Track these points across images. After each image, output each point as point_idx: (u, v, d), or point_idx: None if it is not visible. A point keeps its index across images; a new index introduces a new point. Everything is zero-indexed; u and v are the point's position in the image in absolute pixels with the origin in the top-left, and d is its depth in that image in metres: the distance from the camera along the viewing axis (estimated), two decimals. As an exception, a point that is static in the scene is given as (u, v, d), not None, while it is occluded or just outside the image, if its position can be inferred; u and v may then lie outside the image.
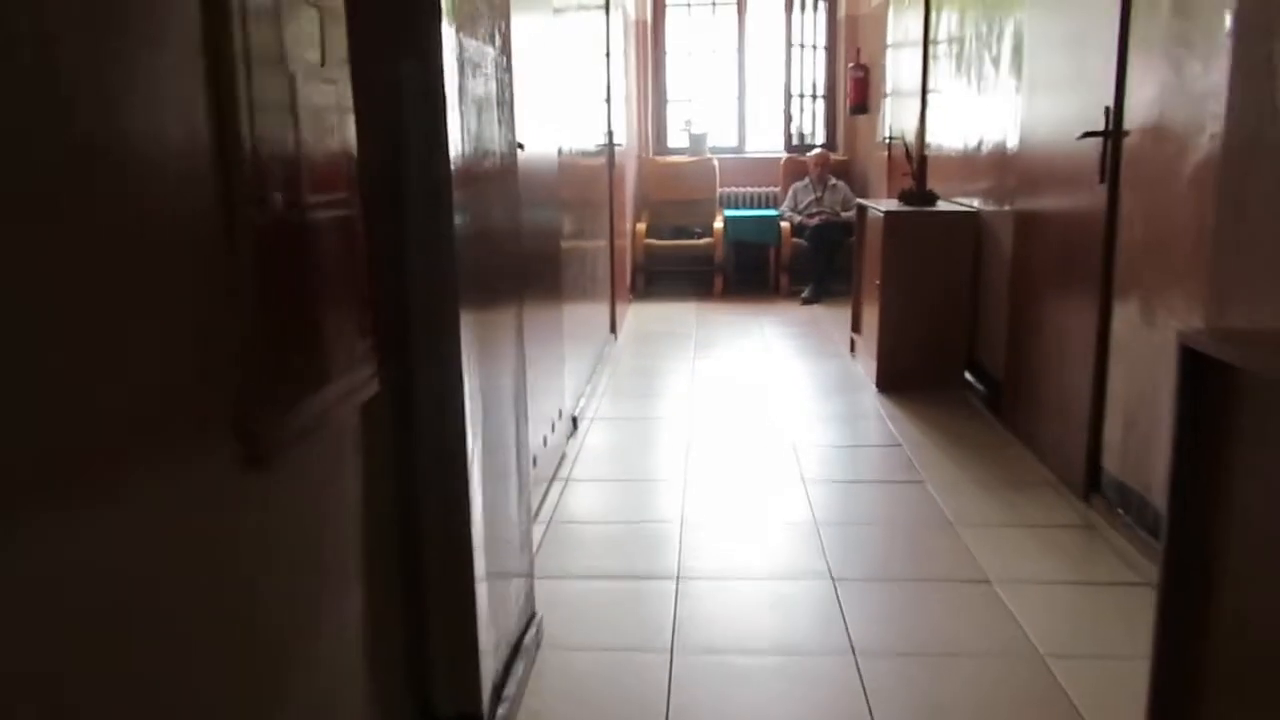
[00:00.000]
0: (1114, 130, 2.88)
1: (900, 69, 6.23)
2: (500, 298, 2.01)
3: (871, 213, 4.78)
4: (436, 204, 1.54)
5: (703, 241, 7.29)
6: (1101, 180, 2.94)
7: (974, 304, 4.43)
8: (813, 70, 7.89)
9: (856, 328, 5.19)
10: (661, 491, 3.28)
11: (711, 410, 4.25)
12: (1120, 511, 2.84)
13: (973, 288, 4.43)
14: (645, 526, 2.98)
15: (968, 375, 4.45)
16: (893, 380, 4.49)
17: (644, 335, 5.95)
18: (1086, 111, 3.03)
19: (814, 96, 7.94)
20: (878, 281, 4.50)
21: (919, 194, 4.67)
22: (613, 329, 5.68)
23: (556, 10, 3.65)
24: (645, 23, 7.66)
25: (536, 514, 3.04)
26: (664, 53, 7.94)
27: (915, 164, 4.68)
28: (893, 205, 4.66)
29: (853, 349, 5.24)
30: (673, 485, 3.32)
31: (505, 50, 2.06)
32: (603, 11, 5.18)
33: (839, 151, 7.82)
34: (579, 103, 4.25)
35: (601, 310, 5.28)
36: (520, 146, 2.62)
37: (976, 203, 4.47)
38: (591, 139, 4.80)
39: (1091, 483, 3.05)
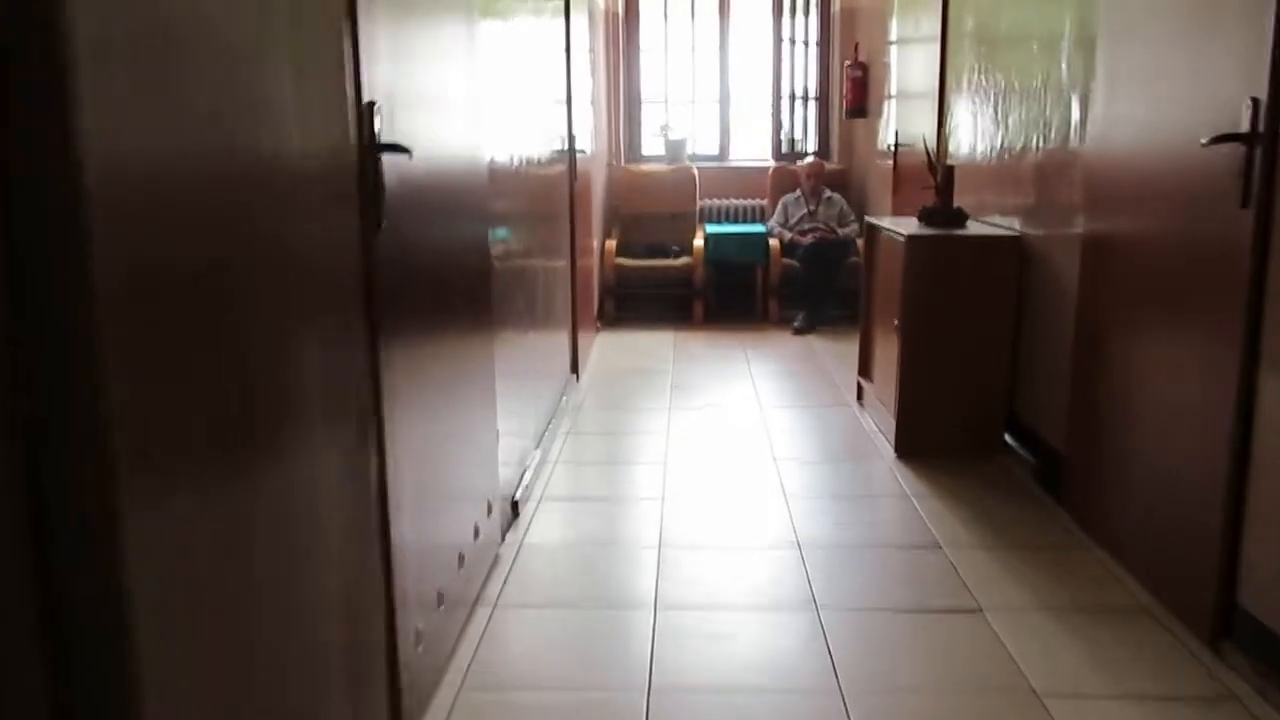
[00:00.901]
0: (1266, 133, 2.03)
1: (909, 66, 5.39)
2: (306, 388, 1.12)
3: (886, 235, 3.92)
4: (50, 236, 0.64)
5: (680, 261, 6.41)
6: (1244, 203, 2.08)
7: (1016, 350, 3.58)
8: (804, 69, 7.04)
9: (865, 371, 4.32)
10: (624, 627, 2.38)
11: (691, 485, 3.36)
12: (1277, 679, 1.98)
13: (1014, 330, 3.57)
14: (596, 699, 2.08)
15: (1009, 439, 3.59)
16: (915, 444, 3.62)
17: (612, 375, 5.05)
18: (1209, 108, 2.18)
19: (805, 98, 7.09)
20: (896, 321, 3.63)
21: (945, 212, 3.82)
22: (574, 367, 4.78)
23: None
24: (616, 15, 6.79)
25: (445, 669, 2.14)
26: (638, 49, 7.06)
27: (940, 176, 3.83)
28: (912, 226, 3.80)
29: (860, 396, 4.37)
30: (640, 615, 2.42)
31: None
32: (561, 1, 4.31)
33: (833, 160, 6.98)
34: (525, 104, 3.37)
35: (559, 345, 4.39)
36: (403, 150, 1.73)
37: (1017, 223, 3.62)
38: (545, 144, 3.93)
39: (1222, 623, 2.19)
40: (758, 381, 4.82)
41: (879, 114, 6.26)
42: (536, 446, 3.59)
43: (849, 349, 4.57)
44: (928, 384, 3.60)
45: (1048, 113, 3.32)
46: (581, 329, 5.01)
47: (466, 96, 2.43)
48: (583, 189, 5.12)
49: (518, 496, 3.11)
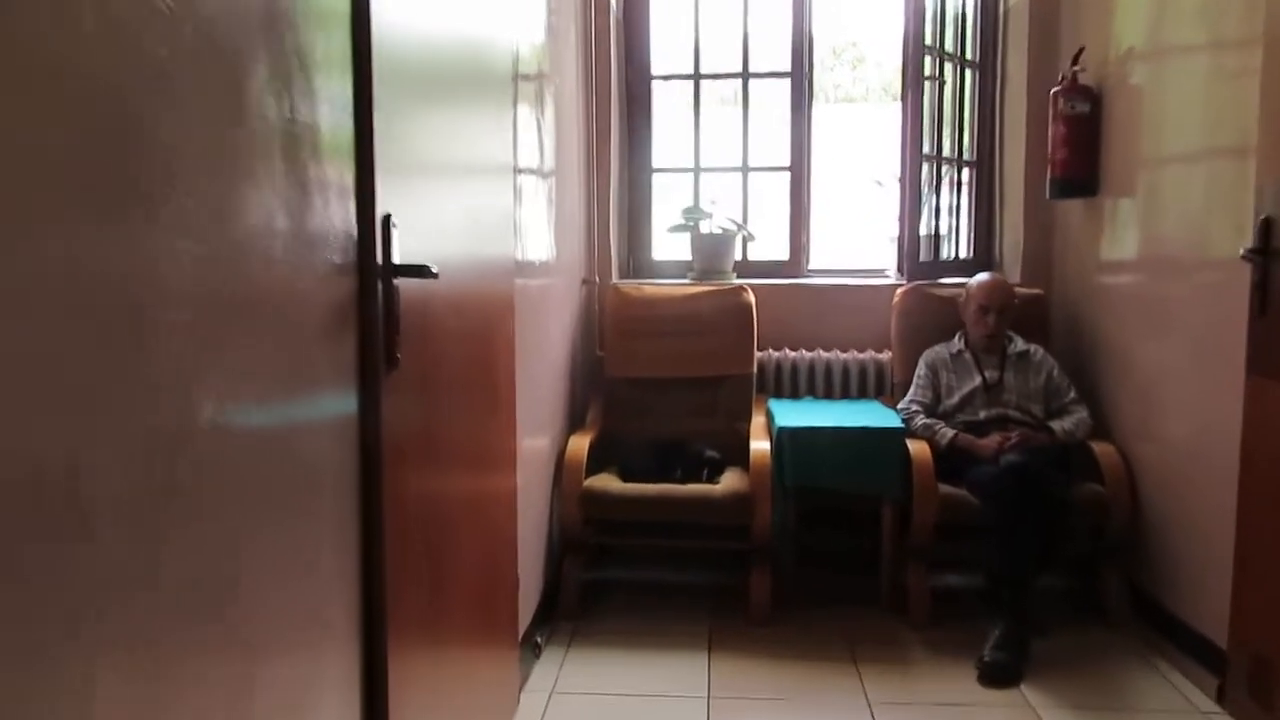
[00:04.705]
0: None
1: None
2: None
3: None
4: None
5: (721, 488, 3.07)
6: None
7: None
8: (954, 111, 3.81)
9: None
10: None
11: None
12: None
13: None
14: None
15: None
16: None
17: None
18: None
19: (956, 163, 3.84)
20: None
21: None
22: None
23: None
24: (608, 9, 3.64)
25: None
26: (646, 75, 3.90)
27: None
28: None
29: None
30: None
31: None
32: None
33: (1015, 278, 3.67)
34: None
35: None
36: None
37: None
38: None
39: None
40: None
41: (1127, 190, 3.01)
42: None
43: None
44: None
45: None
46: (462, 696, 1.70)
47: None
48: (459, 338, 1.88)
49: None
